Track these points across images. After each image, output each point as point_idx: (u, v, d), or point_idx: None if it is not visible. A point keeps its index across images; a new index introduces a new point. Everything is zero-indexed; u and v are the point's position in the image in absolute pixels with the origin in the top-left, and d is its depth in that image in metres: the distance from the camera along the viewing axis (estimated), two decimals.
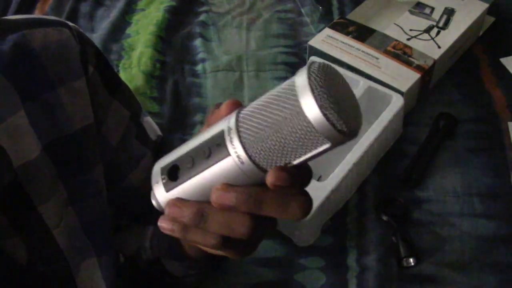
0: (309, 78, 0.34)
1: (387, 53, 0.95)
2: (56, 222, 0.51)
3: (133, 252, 0.62)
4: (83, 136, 0.53)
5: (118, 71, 1.05)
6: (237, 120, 0.36)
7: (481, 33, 1.08)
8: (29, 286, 0.51)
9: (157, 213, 0.41)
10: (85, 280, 0.54)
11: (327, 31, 1.00)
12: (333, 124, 0.33)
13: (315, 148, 0.35)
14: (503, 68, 1.01)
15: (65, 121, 0.52)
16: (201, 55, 1.09)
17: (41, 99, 0.50)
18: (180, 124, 0.97)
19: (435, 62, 0.94)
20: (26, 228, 0.49)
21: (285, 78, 0.99)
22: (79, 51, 0.53)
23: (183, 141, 0.40)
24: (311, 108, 0.33)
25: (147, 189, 0.41)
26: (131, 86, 1.00)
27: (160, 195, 0.40)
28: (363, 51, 0.96)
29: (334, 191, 0.77)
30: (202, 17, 1.17)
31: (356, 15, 1.06)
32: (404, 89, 0.89)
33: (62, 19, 0.56)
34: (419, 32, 0.99)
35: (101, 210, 0.56)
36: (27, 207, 0.49)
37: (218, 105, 0.43)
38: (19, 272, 0.49)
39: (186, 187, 0.38)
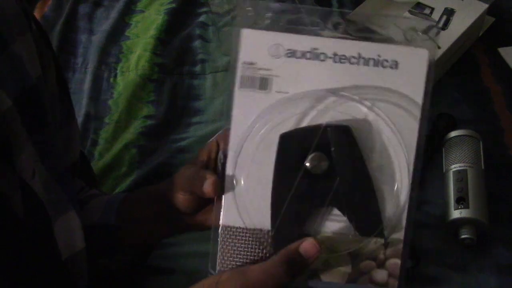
0: None
1: None
2: (30, 175, 0.52)
3: None
4: (39, 88, 0.55)
5: (116, 74, 1.05)
6: None
7: (481, 33, 1.07)
8: (25, 238, 0.52)
9: None
10: (62, 233, 0.55)
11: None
12: None
13: None
14: (503, 68, 1.01)
15: (25, 73, 0.53)
16: (200, 56, 1.08)
17: (7, 51, 0.52)
18: (174, 125, 0.97)
19: (435, 62, 0.94)
20: (7, 178, 0.50)
21: None
22: (21, 8, 0.55)
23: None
24: None
25: None
26: (128, 91, 1.01)
27: None
28: None
29: None
30: (202, 18, 1.17)
31: (355, 15, 1.06)
32: None
33: None
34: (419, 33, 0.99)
35: (65, 164, 0.60)
36: (8, 157, 0.50)
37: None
38: (18, 224, 0.50)
39: None
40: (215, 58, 1.08)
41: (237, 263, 0.48)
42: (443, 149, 0.86)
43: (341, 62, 0.44)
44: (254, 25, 0.45)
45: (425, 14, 1.03)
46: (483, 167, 0.81)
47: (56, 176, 0.56)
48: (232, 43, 0.46)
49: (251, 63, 0.45)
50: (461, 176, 0.80)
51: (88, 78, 1.04)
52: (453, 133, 0.86)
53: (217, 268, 0.48)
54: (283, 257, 0.46)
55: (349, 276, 0.47)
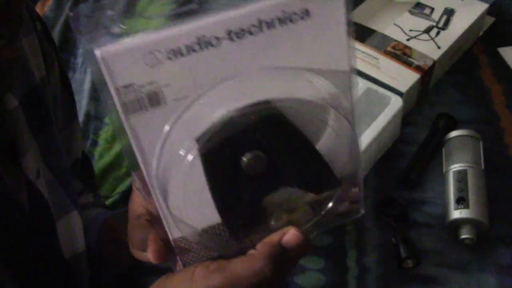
0: None
1: (386, 53, 0.95)
2: (35, 175, 0.52)
3: None
4: (42, 88, 0.55)
5: None
6: None
7: (481, 33, 1.07)
8: (30, 236, 0.52)
9: None
10: (64, 234, 0.55)
11: None
12: None
13: None
14: (503, 68, 1.01)
15: (30, 74, 0.54)
16: None
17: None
18: None
19: (435, 62, 0.94)
20: (14, 177, 0.50)
21: None
22: (27, 9, 0.56)
23: None
24: None
25: None
26: None
27: None
28: (362, 52, 0.95)
29: None
30: None
31: (355, 15, 1.06)
32: (403, 89, 0.89)
33: None
34: (419, 33, 0.99)
35: (67, 165, 0.59)
36: (14, 157, 0.50)
37: None
38: (24, 217, 0.51)
39: None
40: None
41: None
42: (443, 149, 0.86)
43: (239, 39, 0.35)
44: (107, 40, 0.34)
45: (425, 14, 1.03)
46: (483, 167, 0.81)
47: (58, 177, 0.56)
48: (92, 70, 0.35)
49: (128, 85, 0.35)
50: (461, 176, 0.80)
51: (88, 78, 1.04)
52: (453, 133, 0.86)
53: None
54: (265, 252, 0.42)
55: (315, 223, 0.46)
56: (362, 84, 0.88)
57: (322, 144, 0.42)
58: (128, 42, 0.34)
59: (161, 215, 0.42)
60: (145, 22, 1.13)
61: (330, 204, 0.46)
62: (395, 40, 0.97)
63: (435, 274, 0.74)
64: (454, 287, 0.73)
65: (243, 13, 0.35)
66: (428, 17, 1.02)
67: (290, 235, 0.42)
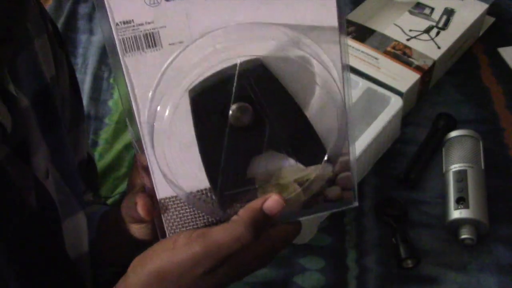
0: None
1: (386, 53, 0.95)
2: (44, 175, 0.52)
3: None
4: (52, 89, 0.55)
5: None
6: None
7: (481, 33, 1.07)
8: (38, 233, 0.52)
9: None
10: (69, 234, 0.55)
11: None
12: None
13: None
14: (503, 68, 1.01)
15: (41, 73, 0.54)
16: None
17: (30, 48, 0.52)
18: None
19: (435, 62, 0.94)
20: (24, 176, 0.50)
21: None
22: (39, 8, 0.56)
23: None
24: None
25: None
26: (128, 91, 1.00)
27: None
28: (362, 52, 0.96)
29: None
30: None
31: (355, 15, 1.06)
32: (403, 89, 0.89)
33: None
34: (419, 33, 0.99)
35: (75, 165, 0.60)
36: (25, 156, 0.50)
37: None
38: (32, 217, 0.50)
39: None
40: None
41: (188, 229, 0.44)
42: (443, 149, 0.86)
43: None
44: None
45: (425, 14, 1.03)
46: (483, 167, 0.81)
47: (65, 177, 0.56)
48: (96, 7, 0.37)
49: (128, 22, 0.37)
50: (461, 176, 0.80)
51: (88, 79, 1.04)
52: (453, 133, 0.86)
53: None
54: (246, 217, 0.42)
55: (304, 204, 0.45)
56: (362, 84, 0.88)
57: (310, 112, 0.42)
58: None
59: (150, 171, 0.42)
60: None
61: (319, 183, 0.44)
62: (395, 40, 0.97)
63: (435, 274, 0.74)
64: (454, 287, 0.73)
65: None
66: (428, 17, 1.02)
67: (272, 200, 0.42)
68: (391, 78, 0.91)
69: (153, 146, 0.41)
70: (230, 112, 0.40)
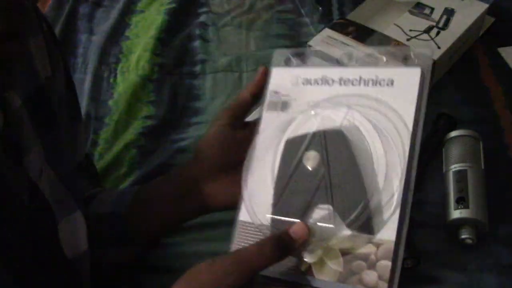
0: None
1: None
2: (37, 174, 0.52)
3: None
4: (47, 88, 0.55)
5: (116, 75, 1.05)
6: None
7: (481, 33, 1.07)
8: (32, 234, 0.52)
9: None
10: (66, 234, 0.56)
11: (327, 31, 1.00)
12: None
13: None
14: (503, 68, 1.01)
15: (36, 74, 0.54)
16: (200, 56, 1.09)
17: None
18: (174, 125, 0.97)
19: (435, 62, 0.94)
20: (16, 176, 0.50)
21: None
22: (33, 8, 0.55)
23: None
24: None
25: None
26: (128, 91, 1.01)
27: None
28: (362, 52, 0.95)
29: None
30: (202, 18, 1.17)
31: (356, 15, 1.06)
32: None
33: None
34: (419, 33, 0.99)
35: (70, 166, 0.61)
36: (17, 156, 0.50)
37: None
38: (25, 217, 0.51)
39: None
40: (215, 58, 1.08)
41: None
42: (443, 149, 0.86)
43: (345, 85, 0.51)
44: (283, 64, 0.57)
45: (425, 14, 1.03)
46: (483, 167, 0.81)
47: (62, 177, 0.56)
48: (268, 78, 0.58)
49: (276, 91, 0.56)
50: (461, 176, 0.80)
51: (88, 78, 1.04)
52: (453, 133, 0.86)
53: None
54: (273, 237, 0.48)
55: (340, 275, 0.48)
56: None
57: (369, 177, 0.50)
58: (287, 68, 0.56)
59: (242, 194, 0.55)
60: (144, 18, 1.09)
61: (360, 262, 0.48)
62: (395, 40, 0.97)
63: (435, 274, 0.74)
64: (454, 287, 0.73)
65: (352, 70, 0.51)
66: (428, 17, 1.03)
67: (298, 226, 0.49)
68: None
69: (245, 177, 0.55)
70: (304, 154, 0.52)
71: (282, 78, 0.56)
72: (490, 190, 0.79)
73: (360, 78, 0.50)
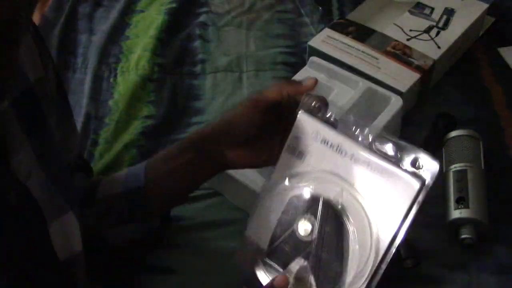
0: None
1: (386, 53, 0.95)
2: (26, 176, 0.52)
3: None
4: (38, 89, 0.55)
5: (116, 74, 1.05)
6: None
7: (481, 33, 1.08)
8: (22, 235, 0.52)
9: None
10: (58, 235, 0.55)
11: (327, 31, 1.00)
12: None
13: None
14: (503, 68, 1.01)
15: (23, 74, 0.53)
16: (200, 56, 1.09)
17: None
18: (174, 125, 0.97)
19: (435, 62, 0.94)
20: (2, 178, 0.50)
21: (285, 78, 0.99)
22: None
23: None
24: None
25: None
26: (128, 91, 1.01)
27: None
28: (363, 52, 0.96)
29: None
30: (201, 18, 1.17)
31: (356, 15, 1.06)
32: (403, 89, 0.89)
33: None
34: (419, 33, 0.99)
35: (63, 165, 0.61)
36: (3, 157, 0.50)
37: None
38: (12, 212, 0.50)
39: None
40: (215, 58, 1.08)
41: None
42: (443, 149, 0.86)
43: (354, 162, 0.54)
44: (309, 111, 0.59)
45: (425, 14, 1.03)
46: (483, 167, 0.81)
47: (53, 178, 0.56)
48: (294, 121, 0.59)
49: (297, 138, 0.58)
50: (461, 176, 0.80)
51: (88, 78, 1.04)
52: (453, 133, 0.86)
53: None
54: None
55: None
56: (362, 84, 0.88)
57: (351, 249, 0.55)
58: (313, 119, 0.58)
59: (253, 213, 0.60)
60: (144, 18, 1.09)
61: None
62: (395, 40, 0.98)
63: (435, 274, 0.74)
64: (454, 287, 0.73)
65: (364, 154, 0.54)
66: (428, 17, 1.03)
67: (280, 277, 0.55)
68: (391, 78, 0.91)
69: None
70: (299, 219, 0.56)
71: (305, 126, 0.58)
72: (490, 190, 0.79)
73: (369, 164, 0.54)
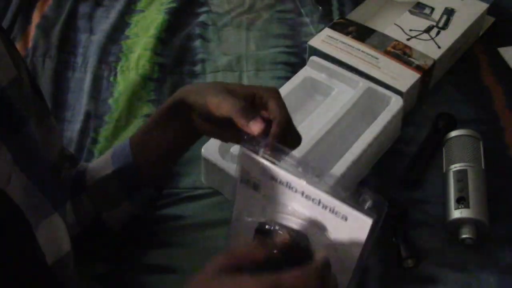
0: None
1: (387, 53, 0.95)
2: (5, 180, 0.51)
3: None
4: (11, 91, 0.54)
5: (116, 74, 1.05)
6: None
7: (481, 33, 1.08)
8: (7, 242, 0.51)
9: None
10: (46, 238, 0.55)
11: (327, 31, 1.00)
12: None
13: None
14: (503, 68, 1.01)
15: None
16: (200, 56, 1.09)
17: None
18: None
19: (435, 62, 0.94)
20: None
21: (285, 78, 0.99)
22: None
23: None
24: None
25: None
26: (128, 90, 1.01)
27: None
28: (363, 51, 0.96)
29: None
30: (202, 18, 1.17)
31: (356, 15, 1.06)
32: (403, 89, 0.89)
33: None
34: (419, 32, 0.99)
35: (46, 164, 0.60)
36: None
37: None
38: None
39: None
40: (215, 58, 1.08)
41: None
42: (443, 149, 0.86)
43: (306, 199, 0.53)
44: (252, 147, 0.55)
45: (425, 14, 1.03)
46: (483, 167, 0.81)
47: (35, 179, 0.55)
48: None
49: (247, 172, 0.56)
50: (461, 176, 0.80)
51: (88, 78, 1.04)
52: (453, 133, 0.86)
53: None
54: None
55: None
56: (362, 84, 0.88)
57: None
58: (260, 159, 0.54)
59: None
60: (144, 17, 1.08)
61: None
62: (395, 40, 0.98)
63: (435, 274, 0.74)
64: (454, 287, 0.73)
65: (314, 191, 0.52)
66: (428, 17, 1.03)
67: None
68: (391, 78, 0.91)
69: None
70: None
71: (251, 163, 0.55)
72: (490, 190, 0.79)
73: (320, 202, 0.52)
